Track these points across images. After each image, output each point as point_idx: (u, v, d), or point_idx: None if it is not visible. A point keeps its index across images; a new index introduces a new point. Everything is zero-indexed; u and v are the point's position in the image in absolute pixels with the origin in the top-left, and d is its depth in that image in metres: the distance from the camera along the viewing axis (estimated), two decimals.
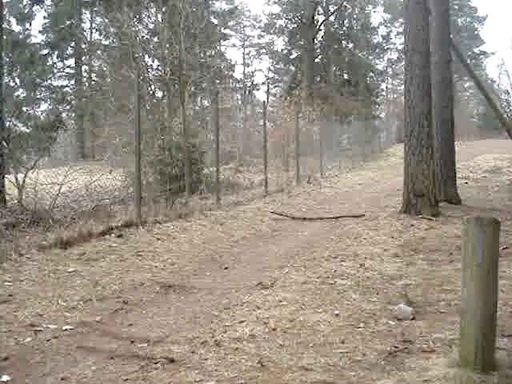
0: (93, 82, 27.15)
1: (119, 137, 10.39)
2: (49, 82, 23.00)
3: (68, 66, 31.81)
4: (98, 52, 24.19)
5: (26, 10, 26.20)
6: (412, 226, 7.44)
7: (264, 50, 47.90)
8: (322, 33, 35.24)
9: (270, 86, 46.82)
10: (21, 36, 25.22)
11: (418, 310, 3.81)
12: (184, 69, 12.37)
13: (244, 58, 50.49)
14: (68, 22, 28.53)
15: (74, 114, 22.39)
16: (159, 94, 13.51)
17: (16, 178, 7.87)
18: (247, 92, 42.35)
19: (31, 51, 19.18)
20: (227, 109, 19.43)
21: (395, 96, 48.28)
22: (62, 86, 29.13)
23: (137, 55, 12.62)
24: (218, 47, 38.33)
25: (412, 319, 3.65)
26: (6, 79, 10.87)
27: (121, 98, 11.23)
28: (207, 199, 10.19)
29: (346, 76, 36.25)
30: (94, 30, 31.34)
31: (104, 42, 22.04)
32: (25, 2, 25.87)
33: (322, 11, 35.13)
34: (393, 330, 3.49)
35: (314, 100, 25.62)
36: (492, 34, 76.01)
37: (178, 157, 10.66)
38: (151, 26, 15.49)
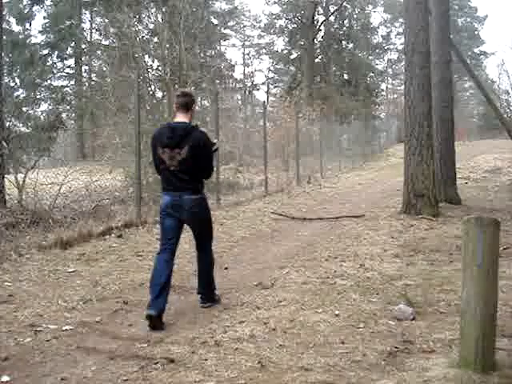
0: (93, 82, 27.12)
1: (119, 137, 10.38)
2: (49, 82, 22.99)
3: (68, 66, 31.82)
4: (98, 52, 24.12)
5: (26, 10, 26.22)
6: (412, 226, 7.45)
7: (264, 50, 47.94)
8: (322, 33, 35.26)
9: (270, 86, 46.87)
10: (21, 36, 25.24)
11: (418, 311, 3.81)
12: (184, 69, 12.37)
13: (244, 58, 50.60)
14: (68, 22, 28.53)
15: (74, 114, 22.38)
16: (159, 94, 13.50)
17: (16, 178, 7.87)
18: (247, 92, 42.32)
19: (31, 51, 19.18)
20: (227, 109, 19.40)
21: (395, 96, 48.32)
22: (61, 86, 29.12)
23: (137, 55, 12.61)
24: (218, 47, 38.37)
25: (412, 319, 3.65)
26: (6, 79, 10.86)
27: (121, 98, 11.22)
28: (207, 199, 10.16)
29: (346, 76, 36.27)
30: (93, 30, 31.34)
31: (104, 42, 21.98)
32: (25, 2, 25.90)
33: (322, 11, 35.13)
34: (393, 330, 3.49)
35: (313, 100, 25.64)
36: (492, 34, 76.07)
37: None
38: (151, 26, 15.46)
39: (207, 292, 4.24)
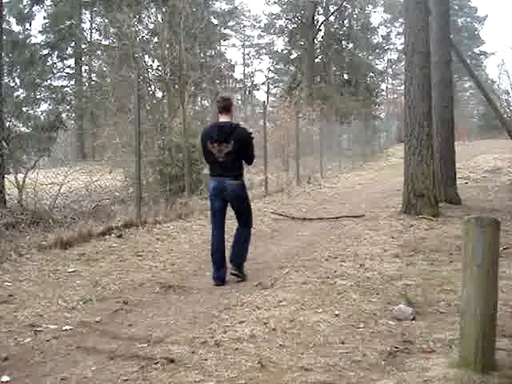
0: (93, 82, 27.16)
1: (119, 137, 10.38)
2: (49, 82, 23.01)
3: (68, 66, 31.85)
4: (98, 52, 24.18)
5: (26, 10, 26.24)
6: (412, 226, 7.44)
7: (264, 50, 47.96)
8: (322, 33, 35.25)
9: (270, 86, 46.87)
10: (21, 36, 25.27)
11: (418, 311, 3.81)
12: (184, 69, 12.37)
13: (244, 58, 50.63)
14: (68, 22, 28.58)
15: (74, 114, 22.41)
16: (159, 94, 13.51)
17: (16, 178, 7.86)
18: (247, 92, 42.38)
19: (31, 51, 19.20)
20: None
21: (395, 96, 48.33)
22: (61, 86, 29.17)
23: (137, 55, 12.62)
24: (218, 47, 38.37)
25: (412, 319, 3.65)
26: (6, 79, 10.87)
27: (121, 98, 11.23)
28: (207, 199, 10.15)
29: (346, 76, 36.29)
30: (93, 30, 31.38)
31: (104, 42, 22.02)
32: (25, 2, 25.92)
33: (322, 11, 35.14)
34: (393, 330, 3.49)
35: (314, 100, 25.63)
36: (492, 34, 76.11)
37: (178, 157, 10.66)
38: (151, 26, 15.48)
39: (238, 260, 5.02)
